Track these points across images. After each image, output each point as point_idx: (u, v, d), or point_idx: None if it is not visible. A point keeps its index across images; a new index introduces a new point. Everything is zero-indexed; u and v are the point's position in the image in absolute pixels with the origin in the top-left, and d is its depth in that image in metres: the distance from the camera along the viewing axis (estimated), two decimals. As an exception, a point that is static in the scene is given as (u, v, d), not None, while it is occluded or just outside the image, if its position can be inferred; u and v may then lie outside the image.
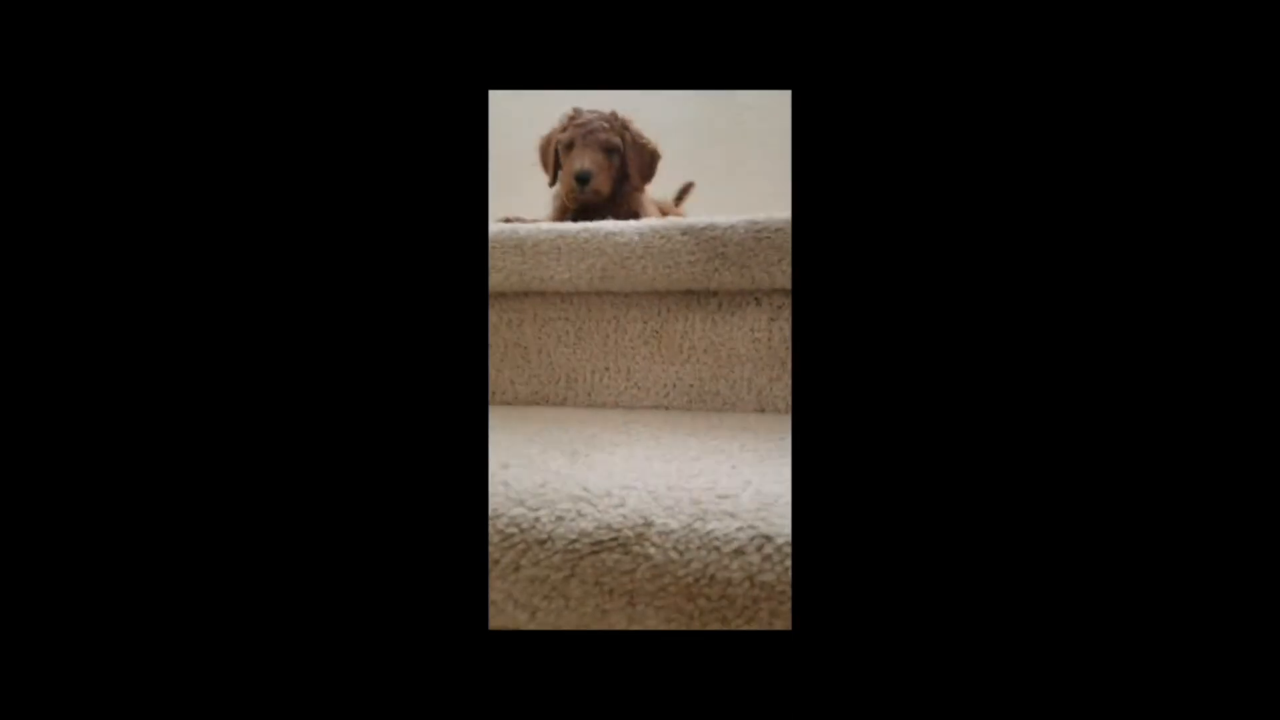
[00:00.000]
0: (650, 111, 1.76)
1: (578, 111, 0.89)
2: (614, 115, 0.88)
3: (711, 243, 0.60)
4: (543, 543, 0.32)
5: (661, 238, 0.61)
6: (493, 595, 0.32)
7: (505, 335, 0.69)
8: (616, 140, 0.86)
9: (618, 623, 0.30)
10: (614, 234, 0.62)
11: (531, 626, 0.31)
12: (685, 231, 0.61)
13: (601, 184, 0.85)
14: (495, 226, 0.68)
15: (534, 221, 0.94)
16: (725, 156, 1.78)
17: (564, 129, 0.88)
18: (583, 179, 0.83)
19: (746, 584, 0.28)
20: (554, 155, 0.90)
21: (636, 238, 0.62)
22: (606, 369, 0.67)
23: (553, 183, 0.92)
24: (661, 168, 1.74)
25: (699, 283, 0.61)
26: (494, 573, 0.32)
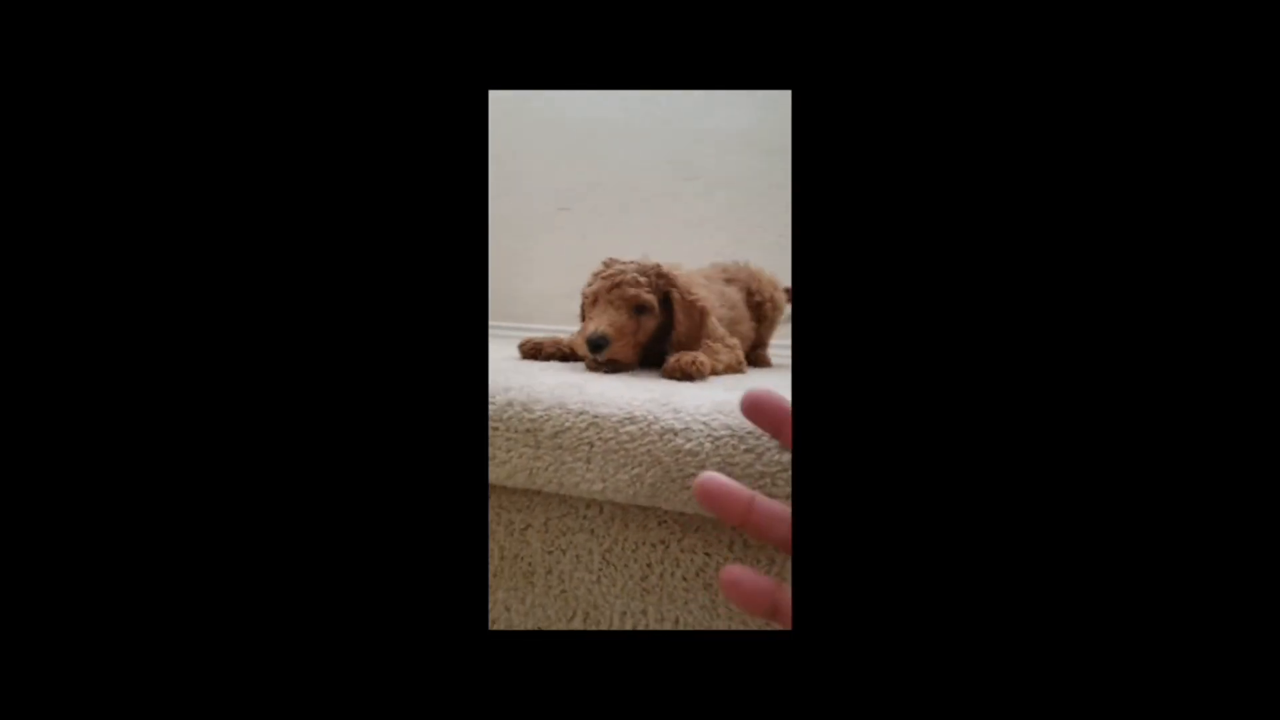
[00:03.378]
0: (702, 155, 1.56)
1: (611, 262, 0.68)
2: (656, 268, 0.67)
3: (828, 473, 0.39)
4: None
5: (748, 452, 0.40)
6: None
7: (501, 542, 0.48)
8: (650, 299, 0.65)
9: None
10: (674, 435, 0.41)
11: None
12: (786, 449, 0.40)
13: (622, 352, 0.63)
14: (498, 391, 0.47)
15: (568, 343, 0.73)
16: (778, 211, 1.57)
17: (591, 281, 0.68)
18: (596, 344, 0.61)
19: None
20: (581, 313, 0.70)
21: (709, 446, 0.41)
22: (643, 613, 0.45)
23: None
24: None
25: (800, 522, 0.40)
26: None
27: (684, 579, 0.44)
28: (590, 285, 0.68)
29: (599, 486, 0.42)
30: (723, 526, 0.43)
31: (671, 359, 0.61)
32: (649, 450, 0.41)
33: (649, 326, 0.66)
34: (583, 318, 0.72)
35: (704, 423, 0.42)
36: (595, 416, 0.43)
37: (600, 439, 0.42)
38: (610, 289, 0.65)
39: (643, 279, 0.65)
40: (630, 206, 1.57)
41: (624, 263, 0.67)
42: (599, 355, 0.62)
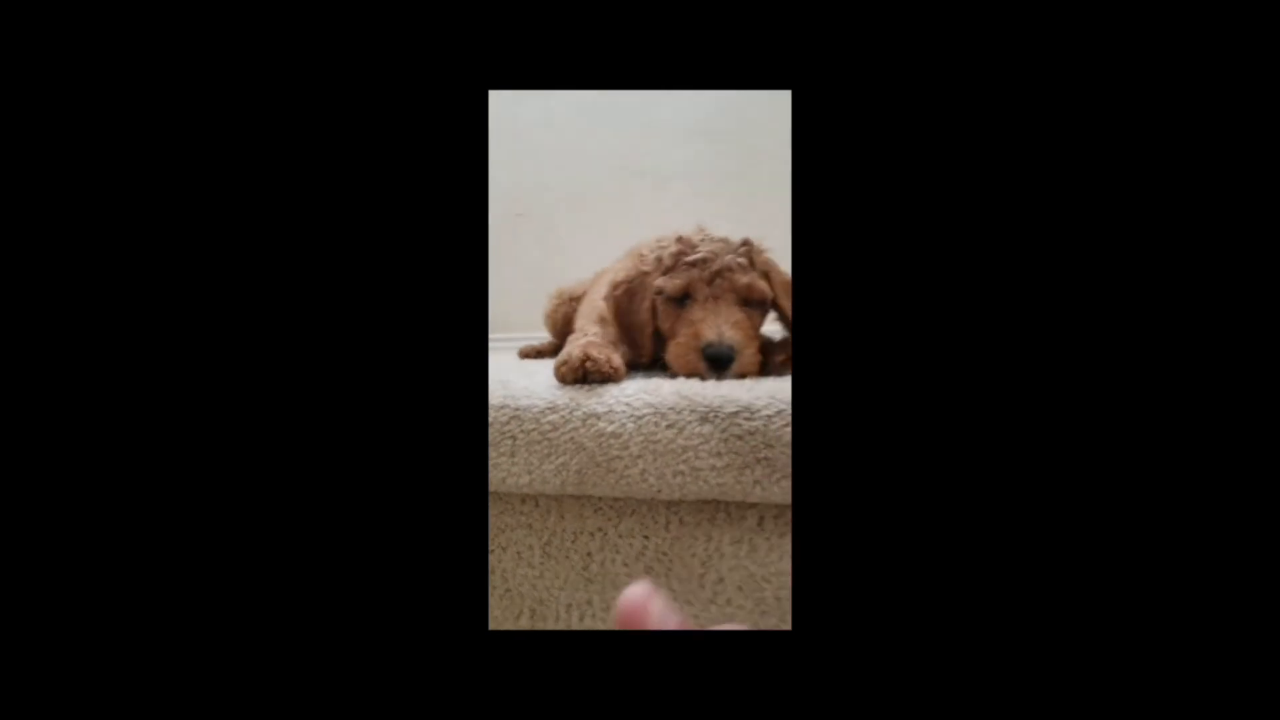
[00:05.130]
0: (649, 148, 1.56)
1: (686, 241, 0.48)
2: (748, 244, 0.48)
3: (746, 441, 0.38)
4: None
5: (670, 427, 0.40)
6: None
7: (440, 547, 0.47)
8: (764, 287, 0.46)
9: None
10: (596, 419, 0.41)
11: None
12: (706, 419, 0.39)
13: (751, 364, 0.44)
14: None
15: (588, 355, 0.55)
16: (731, 201, 1.57)
17: (667, 268, 0.47)
18: (721, 361, 0.43)
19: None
20: (650, 313, 0.48)
21: (631, 426, 0.40)
22: (588, 603, 0.45)
23: (649, 355, 0.49)
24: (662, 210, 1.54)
25: (729, 494, 0.40)
26: None
27: (625, 564, 0.44)
28: (664, 273, 0.47)
29: (525, 479, 0.42)
30: (658, 507, 0.43)
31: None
32: (572, 437, 0.41)
33: (760, 325, 0.47)
34: (627, 325, 0.50)
35: (626, 404, 0.41)
36: (516, 409, 0.42)
37: (522, 431, 0.42)
38: (712, 279, 0.45)
39: (745, 261, 0.46)
40: (582, 207, 1.57)
41: (707, 241, 0.47)
42: (726, 374, 0.43)
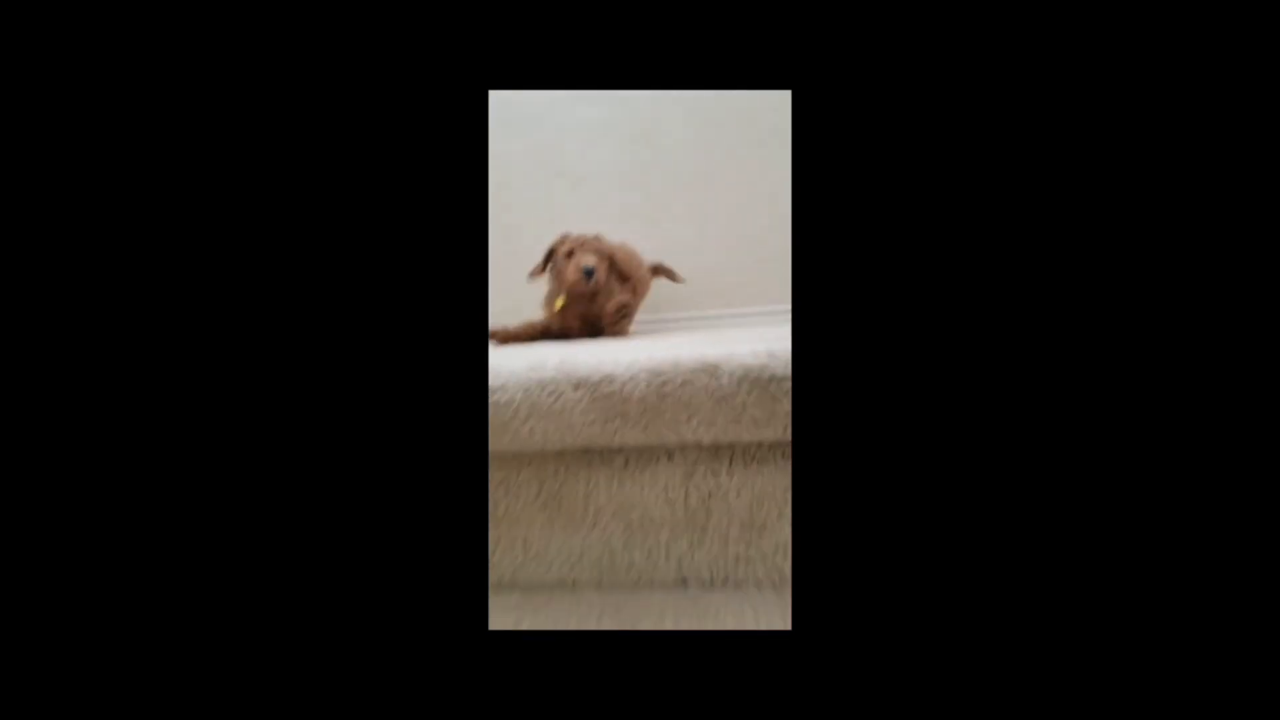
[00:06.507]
0: (569, 145, 1.65)
1: (565, 236, 1.23)
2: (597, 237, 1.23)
3: (608, 400, 0.51)
4: None
5: (550, 395, 0.51)
6: None
7: (373, 506, 0.57)
8: (603, 246, 1.22)
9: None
10: (494, 392, 0.52)
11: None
12: (578, 386, 0.51)
13: (601, 276, 1.15)
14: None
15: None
16: (643, 198, 1.69)
17: (564, 246, 1.21)
18: (589, 272, 1.13)
19: None
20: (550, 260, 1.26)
21: (521, 396, 0.52)
22: (498, 541, 0.56)
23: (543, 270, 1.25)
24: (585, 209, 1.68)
25: (597, 443, 0.52)
26: None
27: (524, 505, 0.55)
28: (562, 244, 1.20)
29: (439, 442, 0.52)
30: (547, 457, 0.54)
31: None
32: (475, 407, 0.52)
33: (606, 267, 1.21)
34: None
35: (518, 380, 0.52)
36: (430, 387, 0.53)
37: (435, 404, 0.52)
38: (581, 244, 1.19)
39: (593, 236, 1.24)
40: (503, 207, 1.65)
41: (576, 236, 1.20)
42: (590, 281, 1.14)
